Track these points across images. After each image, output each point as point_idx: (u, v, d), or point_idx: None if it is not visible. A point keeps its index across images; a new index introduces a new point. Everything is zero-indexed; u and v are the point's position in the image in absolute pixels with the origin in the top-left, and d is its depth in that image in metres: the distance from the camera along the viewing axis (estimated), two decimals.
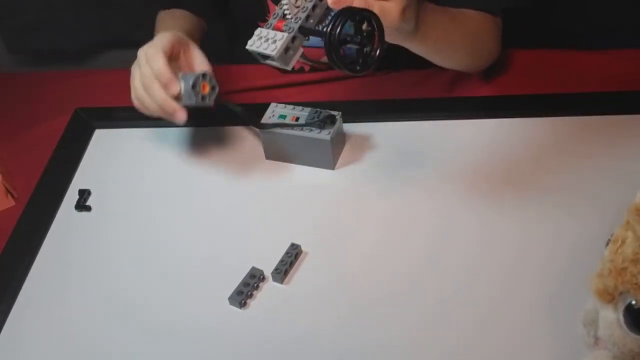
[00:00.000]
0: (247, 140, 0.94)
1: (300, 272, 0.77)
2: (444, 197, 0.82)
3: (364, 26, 0.65)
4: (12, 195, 0.90)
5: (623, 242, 0.56)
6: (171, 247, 0.81)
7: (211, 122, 0.95)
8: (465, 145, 0.89)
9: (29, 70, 1.46)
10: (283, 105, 0.89)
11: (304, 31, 0.70)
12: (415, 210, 0.82)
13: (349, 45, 0.66)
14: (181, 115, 0.80)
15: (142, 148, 0.95)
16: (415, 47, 0.83)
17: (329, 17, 0.65)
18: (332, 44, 0.64)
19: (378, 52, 0.67)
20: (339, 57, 0.65)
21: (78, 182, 0.92)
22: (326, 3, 0.69)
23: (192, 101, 0.80)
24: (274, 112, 0.88)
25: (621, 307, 0.56)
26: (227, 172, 0.90)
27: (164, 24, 1.00)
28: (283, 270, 0.75)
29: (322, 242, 0.79)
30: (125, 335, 0.73)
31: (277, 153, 0.90)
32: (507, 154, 0.87)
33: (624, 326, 0.56)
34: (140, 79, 0.81)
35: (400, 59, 0.92)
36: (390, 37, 0.70)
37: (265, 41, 0.69)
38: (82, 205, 0.88)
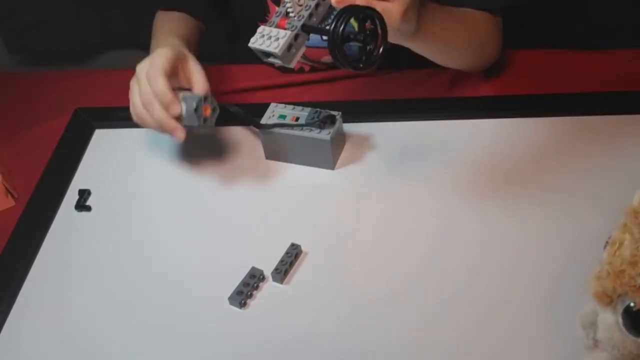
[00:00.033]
0: (247, 140, 0.94)
1: (300, 272, 0.77)
2: (444, 197, 0.82)
3: (367, 24, 0.65)
4: (12, 195, 0.90)
5: (621, 244, 0.56)
6: (171, 247, 0.81)
7: (211, 122, 0.94)
8: (465, 145, 0.89)
9: (29, 70, 1.45)
10: (283, 105, 0.89)
11: (306, 29, 0.70)
12: (415, 210, 0.82)
13: (351, 44, 0.66)
14: (180, 134, 0.80)
15: (142, 148, 0.95)
16: (417, 47, 0.83)
17: (332, 15, 0.65)
18: (336, 41, 0.64)
19: (381, 50, 0.67)
20: (342, 54, 0.65)
21: (78, 182, 0.92)
22: (329, 2, 0.69)
23: (194, 123, 0.81)
24: (274, 112, 0.88)
25: (620, 309, 0.56)
26: (227, 172, 0.90)
27: (162, 28, 1.00)
28: (283, 270, 0.75)
29: (322, 242, 0.79)
30: (125, 335, 0.73)
31: (277, 153, 0.90)
32: (507, 154, 0.87)
33: (623, 328, 0.56)
34: (140, 96, 0.81)
35: (400, 59, 0.92)
36: (391, 38, 0.70)
37: (268, 39, 0.69)
38: (82, 205, 0.88)
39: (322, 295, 0.74)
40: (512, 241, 0.77)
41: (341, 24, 0.63)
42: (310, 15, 0.71)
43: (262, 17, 1.00)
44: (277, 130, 0.86)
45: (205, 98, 0.81)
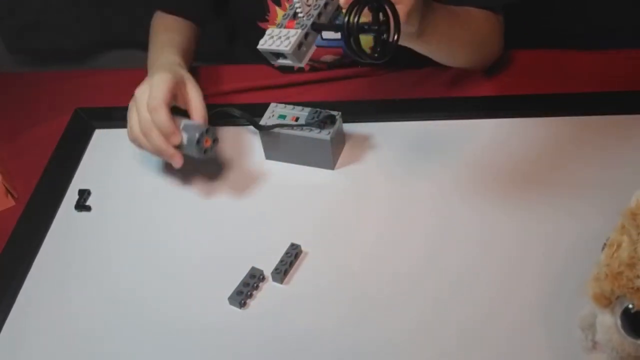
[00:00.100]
0: (247, 140, 0.94)
1: (300, 272, 0.77)
2: (444, 197, 0.82)
3: (381, 14, 0.65)
4: (12, 195, 0.90)
5: (619, 246, 0.56)
6: (171, 247, 0.81)
7: (211, 122, 0.94)
8: (465, 145, 0.89)
9: (29, 70, 1.46)
10: (283, 105, 0.89)
11: (317, 27, 0.70)
12: (415, 210, 0.82)
13: (365, 34, 0.66)
14: (178, 161, 0.81)
15: None
16: (419, 47, 0.83)
17: (345, 10, 0.65)
18: (351, 32, 0.64)
19: (395, 38, 0.67)
20: (358, 45, 0.65)
21: (78, 182, 0.92)
22: (337, 1, 0.69)
23: (194, 155, 0.82)
24: (274, 112, 0.88)
25: (618, 311, 0.56)
26: (227, 172, 0.90)
27: (159, 37, 0.99)
28: (283, 270, 0.75)
29: (322, 242, 0.79)
30: (125, 335, 0.73)
31: (277, 153, 0.90)
32: (507, 154, 0.87)
33: (622, 330, 0.56)
34: (140, 123, 0.81)
35: (401, 58, 0.92)
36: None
37: (278, 39, 0.69)
38: (82, 205, 0.88)
39: (322, 295, 0.74)
40: (512, 241, 0.77)
41: (356, 14, 0.63)
42: (320, 14, 0.71)
43: (262, 17, 1.00)
44: (277, 130, 0.86)
45: (207, 130, 0.81)
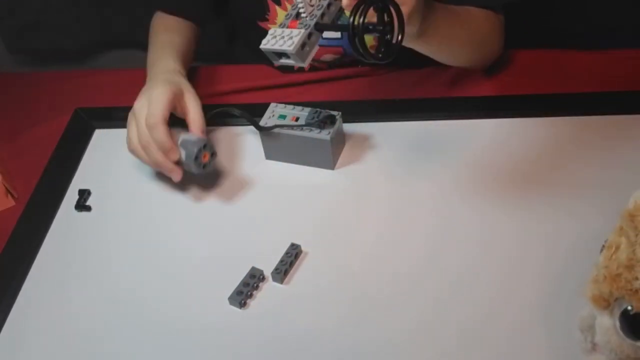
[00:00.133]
0: (247, 140, 0.94)
1: (300, 272, 0.77)
2: (444, 197, 0.82)
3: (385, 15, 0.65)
4: (12, 195, 0.90)
5: (617, 248, 0.56)
6: (171, 247, 0.81)
7: (211, 122, 0.94)
8: (465, 145, 0.89)
9: (29, 70, 1.46)
10: (283, 105, 0.89)
11: (320, 27, 0.70)
12: (415, 210, 0.82)
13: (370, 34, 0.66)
14: (177, 176, 0.83)
15: None
16: (420, 47, 0.83)
17: (352, 9, 0.65)
18: (357, 32, 0.64)
19: (400, 38, 0.67)
20: (364, 45, 0.65)
21: (78, 182, 0.92)
22: (340, 2, 0.69)
23: (193, 170, 0.83)
24: (274, 112, 0.88)
25: (617, 313, 0.56)
26: (227, 172, 0.90)
27: (159, 40, 0.99)
28: (283, 270, 0.75)
29: (322, 242, 0.79)
30: (125, 335, 0.73)
31: (277, 153, 0.90)
32: (507, 154, 0.87)
33: (620, 332, 0.55)
34: (139, 138, 0.82)
35: (401, 58, 0.92)
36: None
37: (281, 39, 0.69)
38: (82, 205, 0.88)
39: (322, 295, 0.74)
40: (512, 241, 0.77)
41: (361, 15, 0.63)
42: (323, 15, 0.71)
43: (262, 16, 1.00)
44: (277, 130, 0.86)
45: (205, 146, 0.82)
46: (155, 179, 0.90)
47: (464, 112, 0.93)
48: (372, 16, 0.65)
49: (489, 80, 0.99)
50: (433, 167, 0.86)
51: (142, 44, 1.03)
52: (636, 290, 0.54)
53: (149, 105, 0.81)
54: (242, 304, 0.74)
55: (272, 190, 0.87)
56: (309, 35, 0.70)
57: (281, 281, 0.76)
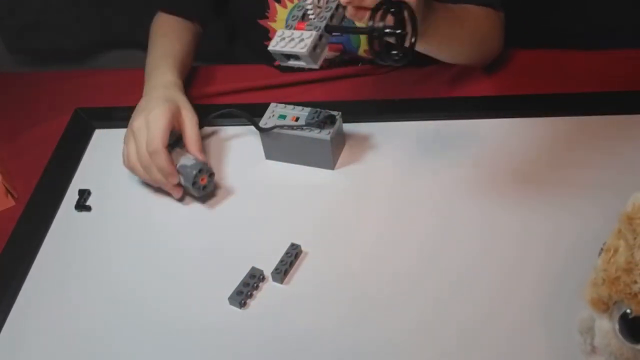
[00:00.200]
0: (247, 140, 0.94)
1: (300, 272, 0.77)
2: (444, 197, 0.82)
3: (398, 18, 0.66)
4: (12, 195, 0.90)
5: (615, 251, 0.56)
6: (171, 247, 0.81)
7: (211, 122, 0.95)
8: (465, 145, 0.89)
9: (29, 70, 1.46)
10: (283, 105, 0.89)
11: (330, 29, 0.70)
12: (415, 210, 0.82)
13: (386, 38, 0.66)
14: (177, 194, 0.85)
15: None
16: (420, 47, 0.83)
17: (370, 13, 0.65)
18: (380, 36, 0.65)
19: (413, 41, 0.68)
20: (384, 48, 0.66)
21: (78, 182, 0.92)
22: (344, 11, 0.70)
23: (194, 193, 0.84)
24: (274, 112, 0.88)
25: (616, 316, 0.55)
26: (227, 172, 0.90)
27: (159, 43, 1.00)
28: (283, 270, 0.75)
29: (322, 242, 0.79)
30: (125, 335, 0.73)
31: (277, 153, 0.90)
32: (507, 154, 0.87)
33: (619, 335, 0.55)
34: (138, 158, 0.84)
35: None
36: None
37: (291, 41, 0.69)
38: (82, 205, 0.88)
39: (322, 295, 0.74)
40: (512, 241, 0.77)
41: (381, 19, 0.64)
42: (332, 17, 0.71)
43: (262, 14, 1.00)
44: (277, 130, 0.86)
45: (201, 170, 0.83)
46: None
47: (464, 112, 0.93)
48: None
49: (489, 80, 0.99)
50: (433, 167, 0.86)
51: (142, 44, 1.03)
52: (635, 294, 0.53)
53: (149, 129, 0.83)
54: (242, 304, 0.74)
55: (272, 190, 0.87)
56: (320, 37, 0.69)
57: (281, 281, 0.76)
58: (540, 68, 1.00)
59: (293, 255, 0.77)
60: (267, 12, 0.99)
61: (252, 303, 0.74)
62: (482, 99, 0.96)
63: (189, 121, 0.87)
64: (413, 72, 1.00)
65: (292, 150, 0.88)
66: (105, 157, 0.95)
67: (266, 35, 1.02)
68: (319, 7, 0.71)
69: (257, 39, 1.03)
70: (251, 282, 0.75)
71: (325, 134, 0.85)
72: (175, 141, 0.86)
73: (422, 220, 0.80)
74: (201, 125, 0.93)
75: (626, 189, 0.60)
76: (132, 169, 0.86)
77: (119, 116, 0.96)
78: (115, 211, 0.87)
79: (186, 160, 0.84)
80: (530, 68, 1.00)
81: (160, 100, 0.86)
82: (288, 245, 0.78)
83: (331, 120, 0.85)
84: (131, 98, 0.93)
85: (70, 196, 0.90)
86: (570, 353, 0.65)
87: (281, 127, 0.86)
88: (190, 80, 1.02)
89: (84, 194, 0.89)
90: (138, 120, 0.84)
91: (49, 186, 0.91)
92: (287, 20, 0.72)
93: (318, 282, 0.75)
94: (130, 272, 0.79)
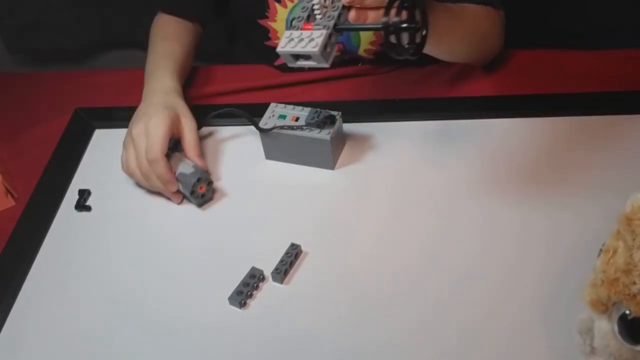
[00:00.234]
0: (247, 140, 0.94)
1: (300, 272, 0.77)
2: (444, 197, 0.82)
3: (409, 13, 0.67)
4: (12, 195, 0.90)
5: (614, 252, 0.56)
6: (171, 247, 0.81)
7: (211, 122, 0.95)
8: (465, 145, 0.89)
9: (29, 70, 1.46)
10: (283, 105, 0.89)
11: (340, 28, 0.70)
12: (415, 210, 0.82)
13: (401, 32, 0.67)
14: (177, 200, 0.86)
15: None
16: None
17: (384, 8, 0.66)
18: (394, 31, 0.65)
19: (424, 34, 0.68)
20: (400, 42, 0.66)
21: (78, 182, 0.92)
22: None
23: (193, 202, 0.85)
24: (274, 112, 0.88)
25: (615, 317, 0.55)
26: (227, 172, 0.90)
27: (159, 45, 1.00)
28: (283, 270, 0.75)
29: (322, 242, 0.79)
30: (125, 335, 0.73)
31: (277, 153, 0.90)
32: (507, 153, 0.87)
33: (619, 336, 0.55)
34: (138, 165, 0.84)
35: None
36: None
37: (300, 41, 0.69)
38: (82, 205, 0.88)
39: (322, 295, 0.74)
40: (512, 241, 0.77)
41: (397, 14, 0.64)
42: (340, 16, 0.71)
43: (262, 14, 1.00)
44: (277, 130, 0.86)
45: (199, 179, 0.83)
46: None
47: (464, 112, 0.93)
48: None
49: (489, 80, 0.99)
50: (433, 167, 0.86)
51: (142, 44, 1.03)
52: (634, 295, 0.53)
53: (148, 136, 0.83)
54: (242, 304, 0.74)
55: (272, 190, 0.87)
56: (329, 36, 0.70)
57: (281, 281, 0.76)
58: (540, 68, 1.00)
59: (293, 255, 0.77)
60: (267, 12, 0.99)
61: (252, 303, 0.74)
62: (482, 99, 0.96)
63: (188, 128, 0.87)
64: (413, 72, 1.00)
65: (292, 150, 0.88)
66: (105, 157, 0.95)
67: (266, 35, 1.02)
68: (325, 7, 0.71)
69: (257, 39, 1.03)
70: (251, 282, 0.75)
71: (325, 134, 0.85)
72: (174, 145, 0.87)
73: (422, 220, 0.80)
74: (201, 125, 0.93)
75: (626, 189, 0.60)
76: (130, 175, 0.86)
77: (119, 116, 0.96)
78: (115, 211, 0.87)
79: (185, 167, 0.84)
80: (530, 68, 1.00)
81: (160, 108, 0.86)
82: (288, 245, 0.78)
83: (331, 120, 0.86)
84: (131, 98, 0.93)
85: (70, 196, 0.90)
86: (570, 353, 0.65)
87: (281, 127, 0.86)
88: (190, 80, 1.02)
89: (84, 194, 0.89)
90: (137, 128, 0.85)
91: (49, 186, 0.91)
92: (288, 22, 0.72)
93: (318, 282, 0.75)
94: (130, 272, 0.79)
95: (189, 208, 0.86)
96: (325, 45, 0.68)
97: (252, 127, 0.90)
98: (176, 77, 0.94)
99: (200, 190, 0.84)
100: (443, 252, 0.77)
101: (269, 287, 0.76)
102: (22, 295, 0.79)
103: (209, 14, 1.06)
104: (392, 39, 0.66)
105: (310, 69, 1.03)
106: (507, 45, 0.99)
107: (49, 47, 1.40)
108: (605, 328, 0.56)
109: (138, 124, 0.85)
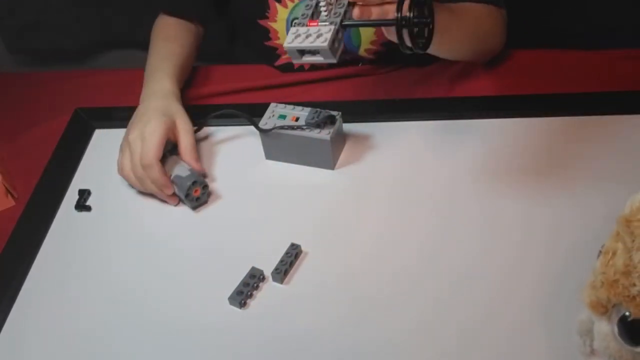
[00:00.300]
0: (247, 140, 0.94)
1: (300, 272, 0.77)
2: (444, 197, 0.82)
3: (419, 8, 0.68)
4: (12, 195, 0.90)
5: (614, 253, 0.56)
6: (171, 247, 0.81)
7: (211, 123, 0.95)
8: (465, 145, 0.89)
9: (29, 70, 1.45)
10: (283, 105, 0.89)
11: (346, 24, 0.70)
12: (414, 210, 0.82)
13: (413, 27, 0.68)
14: (172, 202, 0.86)
15: None
16: None
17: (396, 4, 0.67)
18: (406, 26, 0.66)
19: (432, 27, 0.70)
20: (412, 36, 0.67)
21: (78, 182, 0.92)
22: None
23: (188, 205, 0.85)
24: (274, 112, 0.88)
25: (615, 319, 0.55)
26: (227, 172, 0.90)
27: (160, 46, 1.00)
28: (283, 270, 0.75)
29: (322, 242, 0.79)
30: (125, 335, 0.73)
31: (277, 153, 0.90)
32: (507, 153, 0.87)
33: (619, 338, 0.55)
34: (133, 170, 0.85)
35: (404, 55, 0.92)
36: (395, 39, 0.70)
37: (307, 37, 0.69)
38: (82, 205, 0.88)
39: (322, 295, 0.74)
40: (512, 241, 0.77)
41: (409, 10, 0.65)
42: (346, 12, 0.71)
43: (263, 14, 1.00)
44: (277, 130, 0.86)
45: (194, 182, 0.84)
46: None
47: (464, 112, 0.93)
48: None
49: (489, 80, 0.99)
50: (433, 167, 0.86)
51: (142, 44, 1.03)
52: (633, 297, 0.53)
53: (143, 142, 0.84)
54: (242, 304, 0.74)
55: (272, 190, 0.87)
56: (337, 32, 0.70)
57: (281, 281, 0.76)
58: (540, 68, 1.00)
59: (293, 255, 0.77)
60: (268, 12, 0.99)
61: (252, 303, 0.74)
62: (482, 98, 0.96)
63: (184, 131, 0.87)
64: (413, 72, 1.00)
65: (292, 150, 0.88)
66: (105, 157, 0.95)
67: (266, 35, 1.02)
68: (331, 4, 0.71)
69: (257, 39, 1.03)
70: (251, 282, 0.75)
71: (325, 134, 0.85)
72: (172, 147, 0.87)
73: (422, 220, 0.80)
74: (201, 125, 0.94)
75: (626, 189, 0.60)
76: (125, 178, 0.87)
77: (119, 116, 0.96)
78: (115, 211, 0.87)
79: (181, 170, 0.84)
80: (530, 68, 1.00)
81: (157, 113, 0.87)
82: (288, 245, 0.78)
83: (331, 120, 0.86)
84: (131, 98, 0.93)
85: (70, 196, 0.90)
86: (569, 353, 0.65)
87: (281, 127, 0.86)
88: (190, 80, 1.02)
89: (84, 194, 0.89)
90: (134, 132, 0.85)
91: (49, 186, 0.91)
92: (289, 22, 0.72)
93: (318, 282, 0.75)
94: (130, 272, 0.79)
95: (188, 208, 0.86)
96: (333, 41, 0.69)
97: (252, 127, 0.90)
98: (175, 80, 0.94)
99: (195, 194, 0.84)
100: (443, 252, 0.77)
101: (269, 287, 0.76)
102: (22, 295, 0.79)
103: (209, 14, 1.06)
104: (405, 33, 0.67)
105: (310, 69, 1.03)
106: (508, 45, 0.99)
107: (49, 47, 1.40)
108: (605, 330, 0.56)
109: (135, 130, 0.86)
